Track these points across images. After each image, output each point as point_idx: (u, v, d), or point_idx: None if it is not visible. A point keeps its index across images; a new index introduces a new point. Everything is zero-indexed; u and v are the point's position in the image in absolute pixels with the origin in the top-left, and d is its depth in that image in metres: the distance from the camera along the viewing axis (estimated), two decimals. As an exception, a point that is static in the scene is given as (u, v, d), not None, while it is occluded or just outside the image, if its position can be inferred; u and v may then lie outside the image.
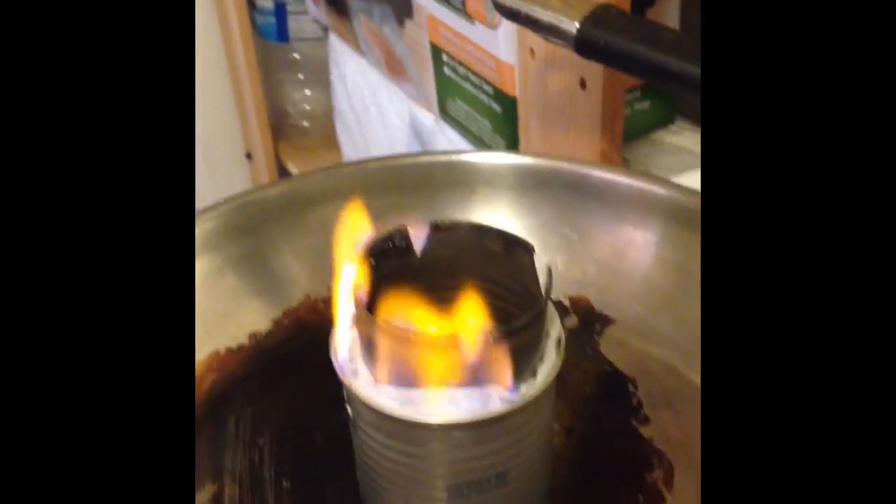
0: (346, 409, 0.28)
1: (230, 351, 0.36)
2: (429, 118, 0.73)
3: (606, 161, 0.48)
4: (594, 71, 0.46)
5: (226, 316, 0.36)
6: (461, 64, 0.64)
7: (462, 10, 0.60)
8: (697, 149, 0.61)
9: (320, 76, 0.95)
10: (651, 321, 0.36)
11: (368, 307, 0.27)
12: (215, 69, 0.98)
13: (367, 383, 0.27)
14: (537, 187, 0.38)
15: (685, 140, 0.63)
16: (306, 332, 0.37)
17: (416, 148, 0.76)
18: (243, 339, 0.36)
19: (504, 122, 0.63)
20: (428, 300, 0.28)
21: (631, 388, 0.34)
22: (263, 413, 0.34)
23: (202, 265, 0.36)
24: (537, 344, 0.27)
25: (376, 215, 0.29)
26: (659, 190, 0.37)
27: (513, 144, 0.62)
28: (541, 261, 0.27)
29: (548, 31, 0.39)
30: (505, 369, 0.26)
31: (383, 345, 0.26)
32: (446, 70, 0.67)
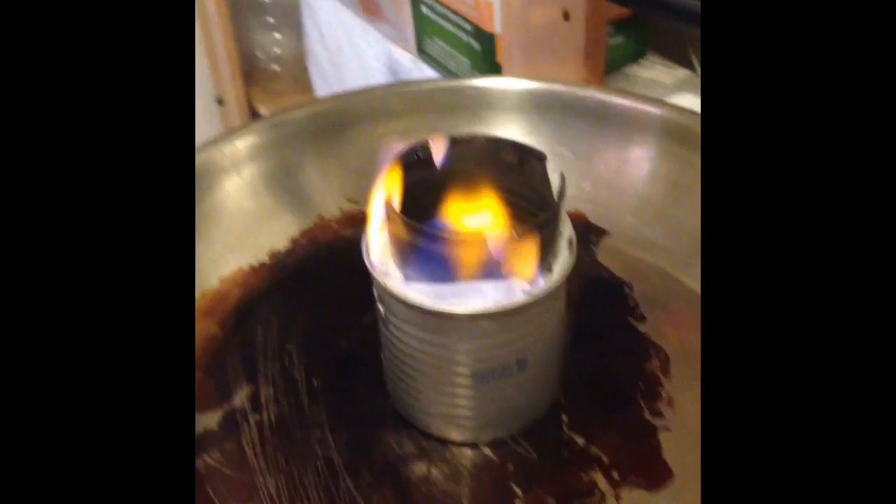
0: (377, 308, 0.31)
1: (252, 268, 0.38)
2: (406, 57, 0.74)
3: (589, 91, 0.51)
4: (577, 2, 0.48)
5: (247, 235, 0.38)
6: (439, 2, 0.66)
7: (441, -52, 0.61)
8: (668, 81, 0.64)
9: (290, 19, 0.95)
10: (644, 231, 0.39)
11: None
12: (184, 14, 0.98)
13: (399, 282, 0.29)
14: (536, 109, 0.41)
15: (656, 73, 0.66)
16: (322, 250, 0.40)
17: (393, 87, 0.78)
18: (264, 257, 0.39)
19: (483, 59, 0.65)
20: (450, 206, 0.31)
21: (627, 290, 0.38)
22: (288, 323, 0.37)
23: (222, 188, 0.38)
24: (553, 242, 0.30)
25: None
26: (653, 109, 0.40)
27: (493, 80, 0.64)
28: (553, 168, 0.30)
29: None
30: (526, 264, 0.29)
31: (415, 245, 0.28)
32: (424, 9, 0.69)
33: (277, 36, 1.01)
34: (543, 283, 0.29)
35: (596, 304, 0.37)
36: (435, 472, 0.31)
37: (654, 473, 0.31)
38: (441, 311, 0.29)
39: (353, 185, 0.41)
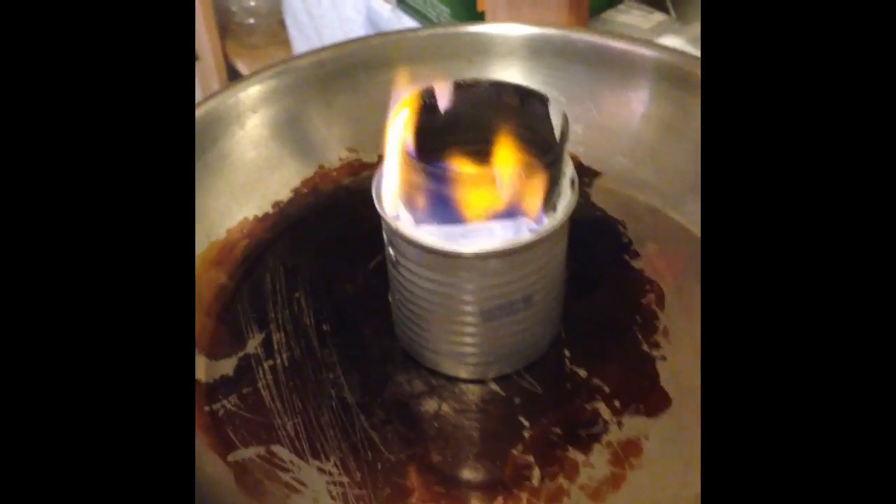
0: (387, 251, 0.32)
1: (257, 218, 0.39)
2: (385, 8, 0.74)
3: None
4: (561, -52, 0.48)
5: (252, 186, 0.39)
6: (419, -50, 0.66)
7: None
8: (646, 25, 0.65)
9: (264, -29, 0.95)
10: (635, 171, 0.40)
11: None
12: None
13: (409, 224, 0.30)
14: (530, 55, 0.42)
15: (633, 18, 0.66)
16: (323, 198, 0.40)
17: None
18: (268, 207, 0.39)
19: (462, 8, 0.65)
20: (457, 149, 0.32)
21: (621, 229, 0.39)
22: (295, 271, 0.38)
23: (228, 139, 0.39)
24: (557, 182, 0.31)
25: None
26: (646, 52, 0.41)
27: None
28: (556, 110, 0.31)
29: None
30: (532, 203, 0.30)
31: (424, 187, 0.29)
32: (403, -42, 0.68)
33: (252, -12, 1.00)
34: (548, 222, 0.30)
35: (591, 243, 0.38)
36: (445, 407, 0.32)
37: (653, 401, 0.32)
38: (451, 251, 0.30)
39: (353, 134, 0.42)
